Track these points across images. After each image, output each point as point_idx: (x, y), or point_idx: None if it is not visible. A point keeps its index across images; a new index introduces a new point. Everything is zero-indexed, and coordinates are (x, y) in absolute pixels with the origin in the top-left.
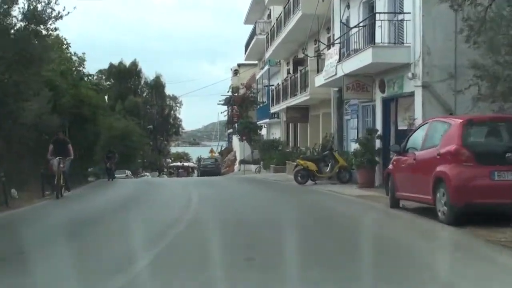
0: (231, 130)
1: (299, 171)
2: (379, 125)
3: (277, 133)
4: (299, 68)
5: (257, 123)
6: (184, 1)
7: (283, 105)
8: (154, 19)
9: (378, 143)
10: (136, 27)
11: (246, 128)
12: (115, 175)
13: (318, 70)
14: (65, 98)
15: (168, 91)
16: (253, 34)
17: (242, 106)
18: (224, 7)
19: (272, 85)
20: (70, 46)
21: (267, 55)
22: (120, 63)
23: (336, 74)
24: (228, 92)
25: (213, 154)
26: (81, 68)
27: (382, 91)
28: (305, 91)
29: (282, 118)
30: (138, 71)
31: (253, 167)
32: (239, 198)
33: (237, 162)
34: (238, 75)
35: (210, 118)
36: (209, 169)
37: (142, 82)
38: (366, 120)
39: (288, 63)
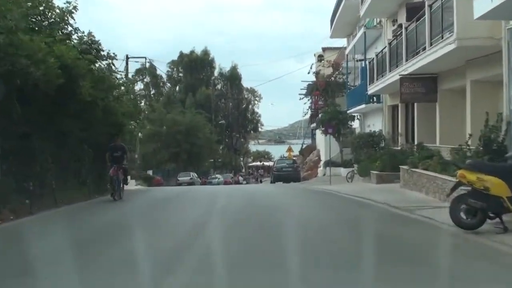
0: (314, 124)
1: (464, 198)
2: None
3: (376, 124)
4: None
5: (347, 112)
6: (272, 1)
7: (390, 77)
8: (242, 20)
9: None
10: (226, 29)
11: (332, 119)
12: (179, 179)
13: None
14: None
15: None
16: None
17: (328, 91)
18: (313, 5)
19: (370, 59)
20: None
21: (361, 12)
22: (192, 51)
23: None
24: (310, 72)
25: (291, 153)
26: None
27: None
28: (441, 38)
29: (385, 102)
30: (210, 61)
31: (343, 171)
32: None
33: (321, 163)
34: (322, 61)
35: (297, 116)
36: (285, 173)
37: (216, 73)
38: None
39: (394, 21)
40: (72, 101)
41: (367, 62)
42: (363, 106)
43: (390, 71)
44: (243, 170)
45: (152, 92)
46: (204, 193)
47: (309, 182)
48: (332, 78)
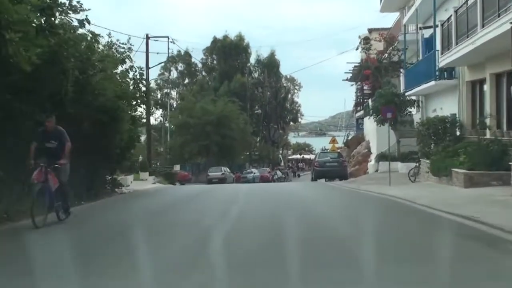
0: (361, 113)
1: None
2: None
3: (446, 108)
4: None
5: (406, 94)
6: None
7: (484, 34)
8: (289, 12)
9: None
10: (268, 23)
11: (388, 103)
12: (210, 174)
13: None
14: None
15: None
16: None
17: (380, 71)
18: None
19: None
20: None
21: None
22: (226, 36)
23: None
24: (358, 48)
25: (335, 145)
26: None
27: None
28: None
29: (462, 77)
30: (245, 47)
31: (401, 166)
32: None
33: (371, 157)
34: (369, 43)
35: (338, 108)
36: (329, 169)
37: (253, 60)
38: None
39: None
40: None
41: (437, 27)
42: (427, 85)
43: (483, 26)
44: (282, 164)
45: (186, 81)
46: (217, 199)
47: (358, 180)
48: (386, 55)
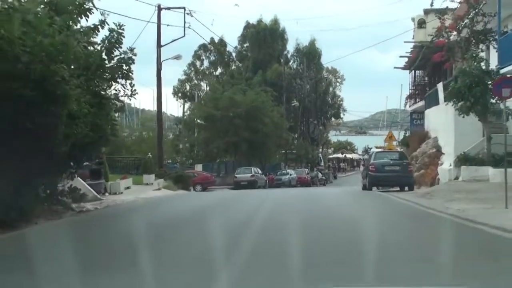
0: (417, 105)
1: None
2: None
3: None
4: None
5: (500, 71)
6: None
7: None
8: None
9: None
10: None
11: (476, 84)
12: (237, 176)
13: None
14: None
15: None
16: None
17: (462, 44)
18: None
19: None
20: None
21: None
22: (259, 21)
23: None
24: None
25: (392, 143)
26: None
27: None
28: None
29: None
30: (281, 32)
31: (493, 173)
32: None
33: (442, 158)
34: (424, 26)
35: (378, 107)
36: (388, 175)
37: (290, 47)
38: None
39: None
40: None
41: None
42: None
43: None
44: (322, 164)
45: (218, 72)
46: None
47: (435, 192)
48: (466, 21)
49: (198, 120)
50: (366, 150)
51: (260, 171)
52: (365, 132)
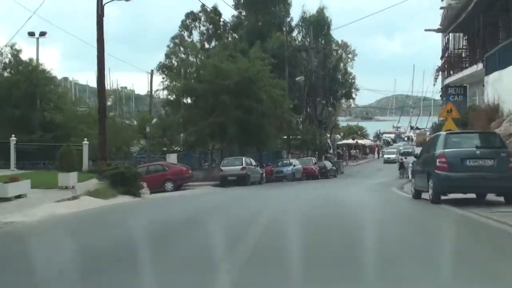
0: (455, 77)
1: None
2: None
3: None
4: None
5: None
6: None
7: None
8: None
9: None
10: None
11: None
12: (224, 169)
13: None
14: None
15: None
16: None
17: None
18: None
19: None
20: None
21: None
22: None
23: None
24: None
25: (451, 121)
26: None
27: None
28: None
29: None
30: None
31: None
32: None
33: None
34: None
35: (383, 93)
36: (476, 174)
37: (295, 16)
38: None
39: None
40: None
41: None
42: None
43: None
44: (331, 151)
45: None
46: None
47: None
48: None
49: (172, 97)
50: (378, 136)
51: (254, 162)
52: (371, 118)
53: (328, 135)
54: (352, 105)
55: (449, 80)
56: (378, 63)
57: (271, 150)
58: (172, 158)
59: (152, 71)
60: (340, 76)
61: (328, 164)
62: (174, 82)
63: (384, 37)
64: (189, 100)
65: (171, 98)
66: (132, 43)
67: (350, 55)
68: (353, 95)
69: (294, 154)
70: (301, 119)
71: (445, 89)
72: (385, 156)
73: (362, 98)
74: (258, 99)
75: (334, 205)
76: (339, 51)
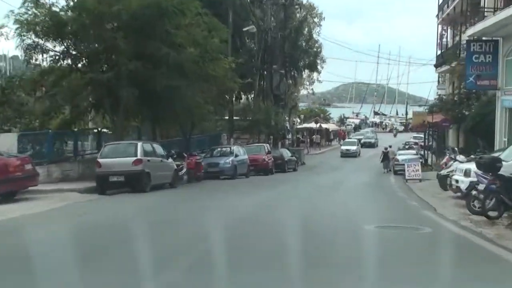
0: (480, 26)
1: None
2: None
3: None
4: None
5: None
6: None
7: None
8: None
9: None
10: None
11: None
12: (102, 162)
13: None
14: None
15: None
16: None
17: None
18: None
19: None
20: None
21: None
22: None
23: None
24: None
25: None
26: None
27: None
28: None
29: None
30: None
31: None
32: None
33: None
34: None
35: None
36: None
37: None
38: None
39: None
40: None
41: None
42: None
43: None
44: (289, 136)
45: None
46: None
47: None
48: None
49: (31, 38)
50: (342, 120)
51: (161, 151)
52: (329, 104)
53: (287, 117)
54: (316, 82)
55: (471, 31)
56: (332, 49)
57: (207, 133)
58: (7, 140)
59: None
60: (304, 42)
61: (286, 154)
62: (34, 13)
63: (344, 24)
64: (56, 46)
65: (29, 41)
66: None
67: (316, 19)
68: (319, 67)
69: (242, 139)
70: (252, 96)
71: (466, 45)
72: (343, 147)
73: (318, 86)
74: (173, 43)
75: None
76: (303, 13)
